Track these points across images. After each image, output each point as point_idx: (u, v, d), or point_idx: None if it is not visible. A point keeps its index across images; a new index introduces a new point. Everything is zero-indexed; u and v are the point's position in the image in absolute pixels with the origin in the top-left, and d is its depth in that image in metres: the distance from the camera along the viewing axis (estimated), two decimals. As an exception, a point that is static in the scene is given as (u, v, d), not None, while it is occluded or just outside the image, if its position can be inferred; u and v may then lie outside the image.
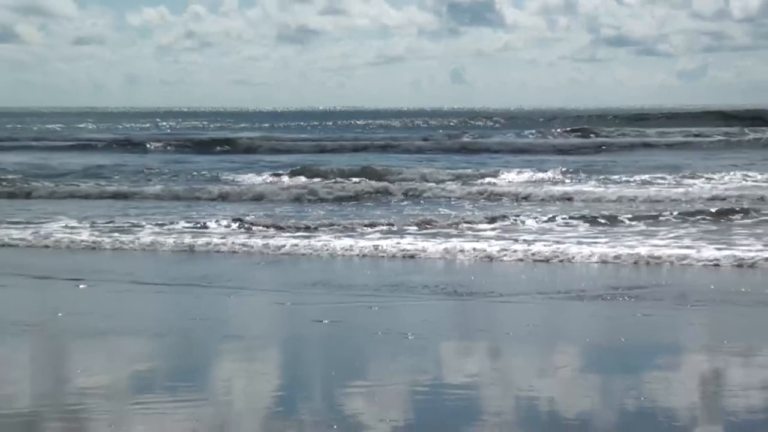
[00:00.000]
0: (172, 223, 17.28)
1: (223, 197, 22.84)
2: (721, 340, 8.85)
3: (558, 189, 23.19)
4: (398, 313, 10.28)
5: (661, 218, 17.21)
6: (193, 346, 8.83)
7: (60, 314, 10.01)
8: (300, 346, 8.91)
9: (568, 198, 21.78)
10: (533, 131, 54.94)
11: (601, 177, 25.80)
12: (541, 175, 26.41)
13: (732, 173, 25.16)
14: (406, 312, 10.32)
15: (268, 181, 26.48)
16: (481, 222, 17.12)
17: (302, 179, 26.00)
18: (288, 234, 15.73)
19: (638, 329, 9.33)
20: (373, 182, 24.46)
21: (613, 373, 7.65)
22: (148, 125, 78.28)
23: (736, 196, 20.52)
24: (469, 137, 49.77)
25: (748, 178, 24.14)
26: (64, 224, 17.07)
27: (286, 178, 26.59)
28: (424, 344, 8.74)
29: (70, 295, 11.41)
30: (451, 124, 73.61)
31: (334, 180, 25.42)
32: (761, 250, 13.12)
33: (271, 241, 14.77)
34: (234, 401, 6.99)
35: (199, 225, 16.97)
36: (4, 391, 7.08)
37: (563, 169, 27.17)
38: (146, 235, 15.66)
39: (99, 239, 15.43)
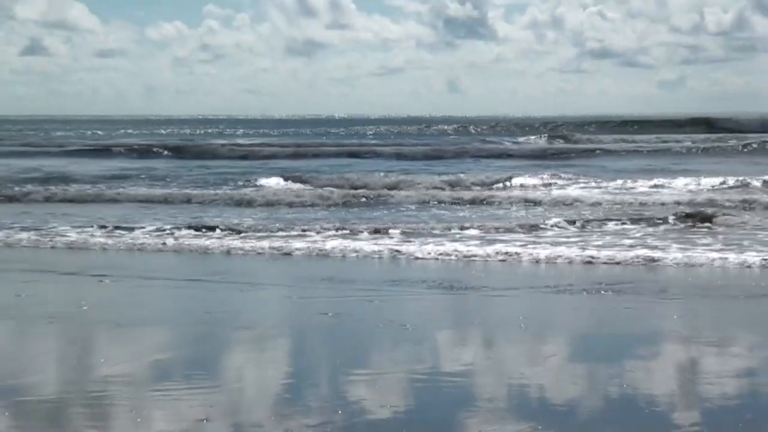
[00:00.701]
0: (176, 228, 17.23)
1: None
2: (696, 331, 8.85)
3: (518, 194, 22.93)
4: (398, 306, 10.27)
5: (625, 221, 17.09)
6: (207, 337, 8.82)
7: (85, 307, 10.03)
8: (306, 337, 8.90)
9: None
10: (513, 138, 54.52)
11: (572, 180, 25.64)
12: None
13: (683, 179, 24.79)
14: (405, 305, 10.32)
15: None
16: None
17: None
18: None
19: (620, 321, 9.33)
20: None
21: (597, 362, 7.62)
22: (164, 131, 78.11)
23: (688, 202, 20.04)
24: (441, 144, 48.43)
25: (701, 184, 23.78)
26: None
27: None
28: (421, 335, 8.74)
29: (95, 289, 11.43)
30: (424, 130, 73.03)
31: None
32: (723, 249, 13.17)
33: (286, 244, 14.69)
34: (245, 388, 6.99)
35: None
36: (32, 379, 7.08)
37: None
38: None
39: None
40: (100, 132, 73.80)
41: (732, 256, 12.55)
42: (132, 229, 16.32)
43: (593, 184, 24.50)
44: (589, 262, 12.55)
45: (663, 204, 19.93)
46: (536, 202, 20.93)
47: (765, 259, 12.21)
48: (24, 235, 15.72)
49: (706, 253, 12.90)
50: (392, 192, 22.95)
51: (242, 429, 5.83)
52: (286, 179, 26.71)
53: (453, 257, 13.19)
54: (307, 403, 6.38)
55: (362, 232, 15.58)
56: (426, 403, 6.48)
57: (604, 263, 12.50)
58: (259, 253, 13.92)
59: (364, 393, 6.65)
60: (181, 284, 11.88)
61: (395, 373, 7.26)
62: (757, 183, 23.31)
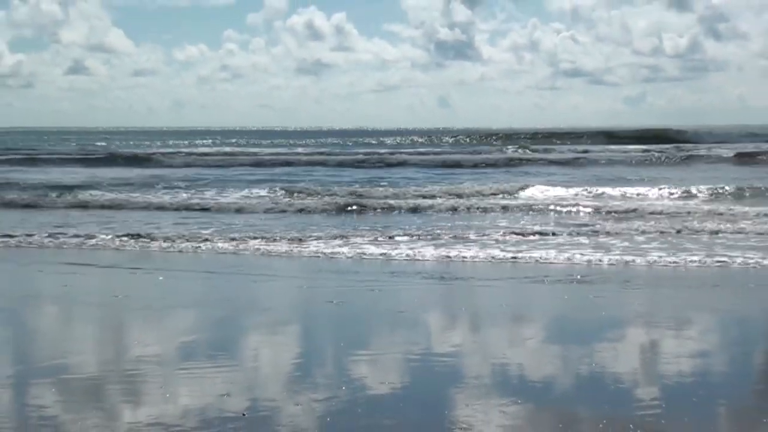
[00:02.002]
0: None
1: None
2: (656, 317, 8.85)
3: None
4: (395, 294, 10.26)
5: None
6: (227, 322, 8.80)
7: (119, 296, 10.03)
8: (314, 322, 8.89)
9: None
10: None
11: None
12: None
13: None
14: (401, 294, 10.31)
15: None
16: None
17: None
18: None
19: (590, 307, 9.30)
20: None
21: (569, 344, 7.61)
22: (187, 141, 77.48)
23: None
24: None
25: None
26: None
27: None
28: (416, 319, 8.73)
29: (129, 279, 11.42)
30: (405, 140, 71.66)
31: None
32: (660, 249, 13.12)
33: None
34: (261, 367, 6.99)
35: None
36: (74, 360, 7.08)
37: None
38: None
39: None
40: (158, 142, 69.91)
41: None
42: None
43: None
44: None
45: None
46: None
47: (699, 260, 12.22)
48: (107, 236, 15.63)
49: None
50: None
51: (258, 403, 5.81)
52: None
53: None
54: (315, 380, 6.37)
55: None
56: (420, 380, 6.47)
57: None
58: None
59: (365, 371, 6.64)
60: (206, 275, 11.88)
61: (393, 353, 7.25)
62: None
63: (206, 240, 14.57)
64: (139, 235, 15.02)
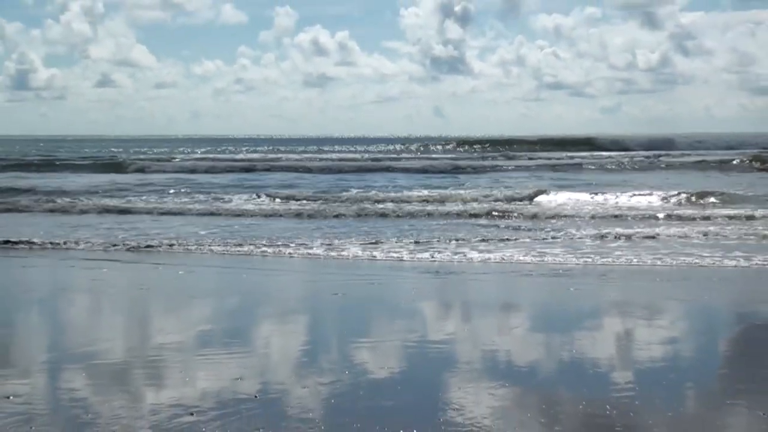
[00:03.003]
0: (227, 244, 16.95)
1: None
2: (630, 307, 8.85)
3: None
4: (393, 287, 10.26)
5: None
6: (240, 312, 8.82)
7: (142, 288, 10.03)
8: (320, 312, 8.87)
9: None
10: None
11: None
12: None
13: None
14: (399, 286, 10.32)
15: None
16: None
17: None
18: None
19: (570, 299, 9.32)
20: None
21: (551, 331, 7.61)
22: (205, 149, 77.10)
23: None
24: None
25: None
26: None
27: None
28: (412, 310, 8.73)
29: (152, 273, 11.42)
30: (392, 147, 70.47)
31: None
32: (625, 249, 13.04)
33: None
34: (271, 353, 6.99)
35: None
36: (102, 346, 7.08)
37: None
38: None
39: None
40: (196, 150, 68.04)
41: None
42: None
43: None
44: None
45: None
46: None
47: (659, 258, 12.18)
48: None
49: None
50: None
51: (269, 386, 5.81)
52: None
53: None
54: (321, 365, 6.36)
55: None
56: (416, 365, 6.46)
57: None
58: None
59: (366, 357, 6.63)
60: (221, 271, 11.86)
61: (391, 341, 7.25)
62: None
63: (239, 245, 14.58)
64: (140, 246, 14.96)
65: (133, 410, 5.27)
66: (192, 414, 5.14)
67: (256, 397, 5.51)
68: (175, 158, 47.45)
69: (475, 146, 63.34)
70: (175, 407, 5.29)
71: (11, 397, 5.50)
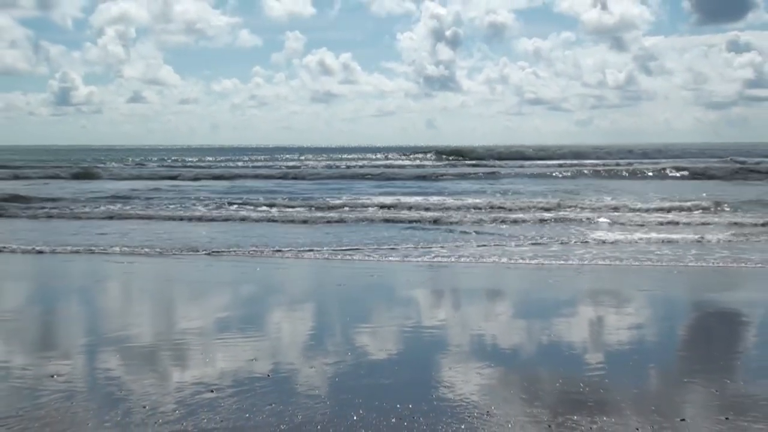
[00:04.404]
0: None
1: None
2: (601, 296, 8.89)
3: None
4: (391, 277, 10.27)
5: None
6: (254, 301, 8.83)
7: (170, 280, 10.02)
8: (325, 300, 8.88)
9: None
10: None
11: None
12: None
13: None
14: (396, 277, 10.32)
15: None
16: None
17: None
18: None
19: (549, 288, 9.35)
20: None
21: (532, 318, 7.64)
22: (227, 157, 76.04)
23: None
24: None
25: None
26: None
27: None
28: (408, 298, 8.75)
29: (175, 265, 11.40)
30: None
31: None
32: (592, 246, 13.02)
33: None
34: (282, 337, 7.00)
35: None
36: (133, 331, 7.11)
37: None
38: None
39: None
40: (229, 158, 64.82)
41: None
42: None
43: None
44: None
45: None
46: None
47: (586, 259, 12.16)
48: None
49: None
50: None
51: (280, 366, 5.83)
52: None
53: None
54: (326, 348, 6.39)
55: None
56: (412, 348, 6.48)
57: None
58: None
59: (366, 341, 6.66)
60: (235, 260, 11.88)
61: (389, 326, 7.27)
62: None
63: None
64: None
65: (161, 388, 5.30)
66: (212, 391, 5.17)
67: (268, 376, 5.54)
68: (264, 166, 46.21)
69: (450, 157, 61.71)
70: (197, 385, 5.32)
71: (55, 376, 5.54)
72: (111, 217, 18.56)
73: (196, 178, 36.12)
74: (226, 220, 17.90)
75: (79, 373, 5.72)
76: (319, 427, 4.53)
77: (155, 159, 63.93)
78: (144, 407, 4.86)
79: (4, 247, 13.06)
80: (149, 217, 18.50)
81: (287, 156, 71.85)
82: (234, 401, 4.97)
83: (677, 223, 16.17)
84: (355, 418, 4.66)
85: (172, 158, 65.11)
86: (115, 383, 5.41)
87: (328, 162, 53.67)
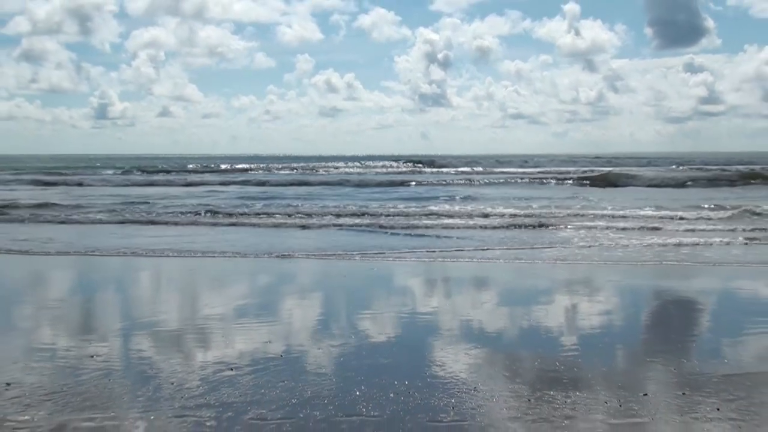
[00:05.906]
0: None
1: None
2: (576, 286, 8.89)
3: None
4: (389, 268, 10.23)
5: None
6: (268, 290, 8.82)
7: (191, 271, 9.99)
8: (330, 290, 8.85)
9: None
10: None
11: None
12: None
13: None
14: (394, 268, 10.30)
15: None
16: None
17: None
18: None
19: (528, 278, 9.35)
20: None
21: (513, 305, 7.64)
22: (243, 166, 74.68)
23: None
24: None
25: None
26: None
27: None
28: (405, 287, 8.75)
29: (199, 261, 11.39)
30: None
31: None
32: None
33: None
34: (293, 322, 6.98)
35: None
36: (161, 317, 7.12)
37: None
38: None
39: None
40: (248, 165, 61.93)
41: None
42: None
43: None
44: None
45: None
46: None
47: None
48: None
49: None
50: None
51: (292, 347, 5.85)
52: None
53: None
54: (332, 332, 6.40)
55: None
56: (408, 332, 6.49)
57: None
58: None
59: (368, 325, 6.66)
60: (250, 259, 11.86)
61: (387, 312, 7.27)
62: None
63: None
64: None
65: (186, 366, 5.33)
66: (231, 369, 5.20)
67: (281, 356, 5.56)
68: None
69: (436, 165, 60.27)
70: (218, 364, 5.35)
71: (94, 357, 5.57)
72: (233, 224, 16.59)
73: (290, 184, 34.52)
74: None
75: (116, 353, 5.74)
76: (326, 401, 4.56)
77: (197, 166, 61.90)
78: (171, 383, 4.90)
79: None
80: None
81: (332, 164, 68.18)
82: (251, 378, 5.00)
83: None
84: (357, 393, 4.69)
85: (217, 164, 62.85)
86: (146, 363, 5.42)
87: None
